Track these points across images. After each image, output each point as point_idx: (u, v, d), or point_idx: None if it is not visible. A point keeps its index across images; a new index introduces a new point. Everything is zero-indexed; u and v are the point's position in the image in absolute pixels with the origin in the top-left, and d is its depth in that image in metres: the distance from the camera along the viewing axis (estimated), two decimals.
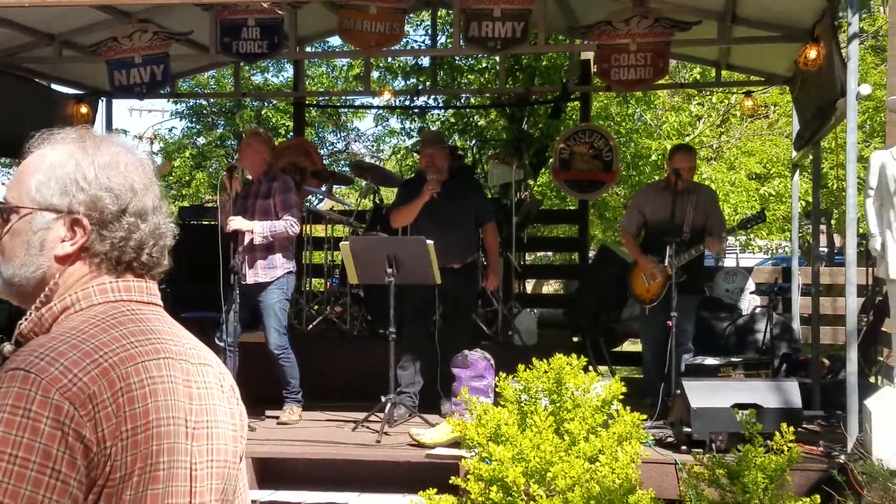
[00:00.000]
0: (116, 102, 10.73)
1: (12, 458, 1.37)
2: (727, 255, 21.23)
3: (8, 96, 8.70)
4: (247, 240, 6.75)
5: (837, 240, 21.69)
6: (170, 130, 23.51)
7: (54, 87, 9.80)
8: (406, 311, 7.00)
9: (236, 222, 6.70)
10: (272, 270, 6.82)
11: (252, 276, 6.79)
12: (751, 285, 9.43)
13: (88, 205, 1.60)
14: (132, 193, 1.62)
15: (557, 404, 4.69)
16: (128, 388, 1.47)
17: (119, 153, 1.65)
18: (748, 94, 10.34)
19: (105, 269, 1.63)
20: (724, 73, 9.86)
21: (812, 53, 6.77)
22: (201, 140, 22.05)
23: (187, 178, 20.74)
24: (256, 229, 6.71)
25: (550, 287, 18.82)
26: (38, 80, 9.39)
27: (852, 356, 5.87)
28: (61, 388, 1.41)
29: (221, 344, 6.59)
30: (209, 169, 21.19)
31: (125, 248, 1.62)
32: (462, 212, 7.07)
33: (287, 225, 6.72)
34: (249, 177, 7.13)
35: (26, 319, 1.61)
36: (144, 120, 29.99)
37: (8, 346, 1.62)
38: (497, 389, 4.84)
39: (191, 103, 20.71)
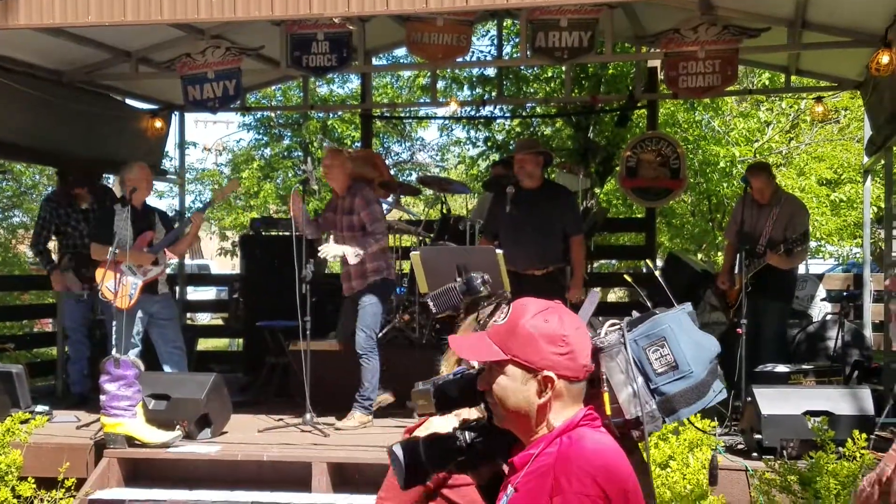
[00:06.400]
0: (187, 115, 11.00)
1: None
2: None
3: (86, 111, 8.99)
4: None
5: None
6: (237, 142, 23.90)
7: (129, 101, 10.09)
8: None
9: (328, 249, 6.92)
10: (363, 279, 7.04)
11: (348, 289, 7.11)
12: (821, 292, 9.31)
13: None
14: None
15: None
16: None
17: None
18: (818, 99, 10.20)
19: None
20: (793, 78, 9.74)
21: (885, 59, 6.71)
22: (268, 151, 22.35)
23: (255, 188, 21.01)
24: (348, 252, 6.92)
25: (614, 295, 18.69)
26: (114, 96, 9.68)
27: None
28: None
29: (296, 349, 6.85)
30: (276, 180, 21.46)
31: None
32: (549, 220, 7.12)
33: (375, 239, 6.96)
34: (315, 187, 7.34)
35: None
36: (210, 131, 30.33)
37: None
38: None
39: (258, 115, 20.99)
